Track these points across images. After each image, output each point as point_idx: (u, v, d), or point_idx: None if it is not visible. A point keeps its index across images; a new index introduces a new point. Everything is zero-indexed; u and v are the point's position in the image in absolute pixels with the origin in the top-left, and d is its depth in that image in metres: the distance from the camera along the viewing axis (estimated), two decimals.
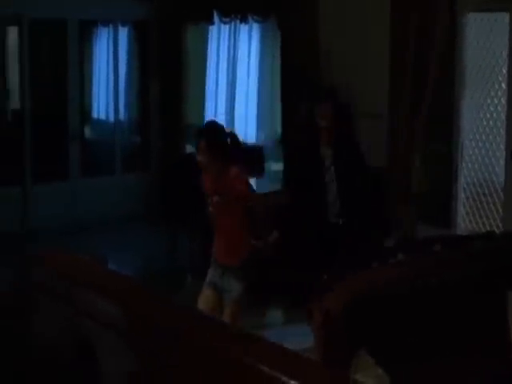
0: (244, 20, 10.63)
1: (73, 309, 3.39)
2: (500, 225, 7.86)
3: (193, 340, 2.53)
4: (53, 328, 3.63)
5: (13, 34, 11.33)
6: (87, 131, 12.24)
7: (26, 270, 4.08)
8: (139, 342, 2.78)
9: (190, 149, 11.57)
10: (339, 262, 5.21)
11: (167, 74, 11.62)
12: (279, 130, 10.08)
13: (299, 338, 4.17)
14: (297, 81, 9.30)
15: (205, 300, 5.72)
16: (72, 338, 3.38)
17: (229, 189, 5.76)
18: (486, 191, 8.06)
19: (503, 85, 7.82)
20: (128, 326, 2.88)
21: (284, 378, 2.30)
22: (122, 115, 12.00)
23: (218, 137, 5.91)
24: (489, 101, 7.96)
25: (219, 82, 11.35)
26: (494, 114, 7.94)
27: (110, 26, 11.94)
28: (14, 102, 11.34)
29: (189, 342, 2.55)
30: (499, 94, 7.86)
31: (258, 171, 9.96)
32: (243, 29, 10.87)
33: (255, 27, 10.70)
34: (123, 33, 12.03)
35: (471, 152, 8.16)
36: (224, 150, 5.85)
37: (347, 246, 6.24)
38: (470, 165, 8.19)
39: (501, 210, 7.88)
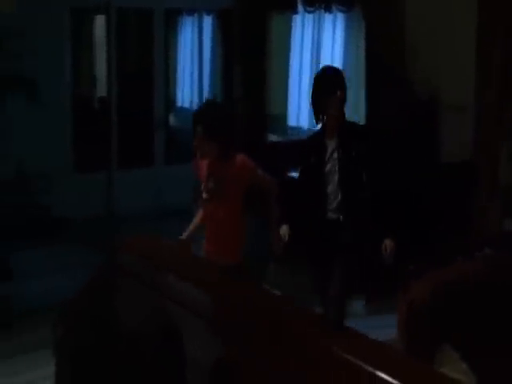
0: (328, 9, 10.60)
1: (159, 294, 3.44)
2: None
3: (281, 328, 2.55)
4: (138, 313, 3.68)
5: (100, 22, 11.54)
6: (172, 119, 12.38)
7: (112, 254, 4.14)
8: (226, 329, 2.81)
9: (272, 137, 11.62)
10: (425, 255, 5.19)
11: (251, 62, 11.66)
12: (363, 120, 10.04)
13: (382, 330, 4.17)
14: (381, 71, 9.25)
15: None
16: (158, 324, 3.42)
17: (235, 178, 5.29)
18: None
19: None
20: (215, 313, 2.91)
21: (370, 369, 2.30)
22: None
23: (218, 121, 5.35)
24: None
25: (303, 72, 11.34)
26: None
27: (195, 14, 12.04)
28: (101, 90, 11.56)
29: (277, 330, 2.57)
30: None
31: None
32: (327, 18, 10.84)
33: (339, 16, 10.66)
34: (208, 21, 12.13)
35: None
36: (225, 135, 5.34)
37: (347, 246, 5.61)
38: None
39: None
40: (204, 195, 5.38)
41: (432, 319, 3.64)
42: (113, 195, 10.94)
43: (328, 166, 5.66)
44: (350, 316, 7.31)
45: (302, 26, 11.32)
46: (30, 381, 5.72)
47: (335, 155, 5.65)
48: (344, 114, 5.75)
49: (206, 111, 5.51)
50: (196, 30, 12.01)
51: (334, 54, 10.79)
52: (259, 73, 11.58)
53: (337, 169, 5.62)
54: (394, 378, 2.20)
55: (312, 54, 11.13)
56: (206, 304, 2.98)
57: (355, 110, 10.47)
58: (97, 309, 3.94)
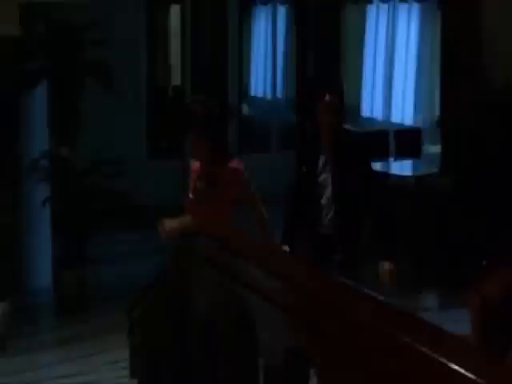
0: None
1: (234, 280, 3.48)
2: None
3: (356, 318, 2.57)
4: (212, 299, 3.75)
5: (175, 12, 11.67)
6: (245, 108, 12.46)
7: (187, 240, 4.19)
8: (300, 317, 2.84)
9: (345, 127, 11.59)
10: (499, 250, 5.14)
11: (325, 52, 11.66)
12: (437, 112, 9.97)
13: (455, 325, 4.16)
14: (457, 61, 9.16)
15: None
16: (232, 310, 3.48)
17: (224, 186, 4.82)
18: None
19: None
20: (290, 301, 2.95)
21: (443, 360, 2.31)
22: (279, 93, 12.14)
23: (209, 120, 4.86)
24: None
25: (377, 62, 11.31)
26: None
27: (269, 4, 12.08)
28: (176, 78, 11.70)
29: (351, 320, 2.60)
30: None
31: (415, 153, 9.87)
32: (402, 8, 10.79)
33: (415, 7, 10.60)
34: (282, 11, 12.15)
35: None
36: (216, 135, 4.89)
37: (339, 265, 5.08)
38: None
39: None
40: (190, 195, 4.96)
41: (505, 316, 3.62)
42: (187, 183, 11.07)
43: (321, 178, 5.18)
44: (421, 309, 7.33)
45: (376, 16, 11.28)
46: (98, 366, 5.83)
47: (328, 166, 5.17)
48: (339, 122, 5.22)
49: (197, 109, 4.94)
50: (270, 19, 12.04)
51: (408, 44, 10.72)
52: (333, 63, 11.56)
53: (330, 181, 5.15)
54: (467, 370, 2.21)
55: (386, 45, 11.09)
56: (281, 291, 3.02)
57: (430, 100, 10.41)
58: (172, 293, 4.02)
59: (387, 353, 2.45)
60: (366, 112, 11.56)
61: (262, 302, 3.10)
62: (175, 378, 3.65)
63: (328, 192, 5.13)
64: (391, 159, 9.87)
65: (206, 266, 3.82)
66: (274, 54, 11.99)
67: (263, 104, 12.36)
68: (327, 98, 5.11)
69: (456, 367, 2.21)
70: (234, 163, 4.87)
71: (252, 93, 12.68)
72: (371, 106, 11.46)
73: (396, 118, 10.99)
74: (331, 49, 11.57)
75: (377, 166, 9.52)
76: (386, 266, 5.07)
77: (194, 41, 11.32)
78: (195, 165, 5.00)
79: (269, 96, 12.18)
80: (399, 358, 2.42)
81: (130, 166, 8.67)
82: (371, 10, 11.30)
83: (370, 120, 11.44)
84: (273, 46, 11.98)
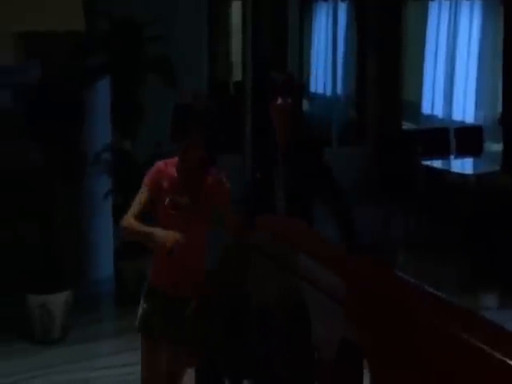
0: None
1: (291, 273, 3.51)
2: None
3: (415, 314, 2.57)
4: (270, 290, 3.78)
5: (236, 8, 11.76)
6: (305, 105, 12.47)
7: (244, 232, 4.21)
8: (355, 310, 2.86)
9: (406, 125, 11.56)
10: None
11: (385, 49, 11.62)
12: (499, 109, 9.86)
13: None
14: None
15: (148, 361, 4.31)
16: (289, 301, 3.51)
17: (206, 196, 4.20)
18: None
19: None
20: (345, 294, 2.97)
21: (504, 358, 2.29)
22: (339, 90, 12.13)
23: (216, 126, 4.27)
24: None
25: (438, 59, 11.22)
26: None
27: (330, 0, 12.07)
28: (237, 75, 11.78)
29: (406, 315, 2.60)
30: None
31: (476, 151, 9.80)
32: (465, 4, 10.70)
33: (477, 3, 10.50)
34: (342, 8, 12.13)
35: None
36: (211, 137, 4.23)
37: None
38: None
39: None
40: (171, 211, 4.17)
41: None
42: (247, 177, 11.14)
43: (275, 185, 4.89)
44: (482, 308, 7.27)
45: (438, 13, 11.20)
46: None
47: (280, 173, 4.87)
48: (295, 127, 4.88)
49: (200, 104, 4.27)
50: (331, 16, 12.03)
51: (470, 40, 10.63)
52: (394, 59, 11.52)
53: (282, 193, 4.85)
54: None
55: (448, 42, 11.00)
56: (337, 284, 3.04)
57: (492, 97, 10.31)
58: (230, 284, 4.06)
59: (445, 350, 2.43)
60: (426, 109, 11.49)
61: (318, 294, 3.11)
62: (232, 366, 3.70)
63: (281, 204, 4.83)
64: (452, 157, 9.83)
65: (264, 258, 3.85)
66: (334, 51, 11.98)
67: (323, 100, 12.35)
68: (279, 100, 4.80)
69: None
70: (214, 170, 4.25)
71: (312, 89, 12.68)
72: (432, 103, 11.38)
73: (457, 115, 10.91)
74: (392, 45, 11.52)
75: (438, 163, 9.50)
76: None
77: (254, 37, 11.37)
78: (168, 169, 4.26)
79: (328, 92, 12.17)
80: (458, 356, 2.39)
81: None
82: (433, 7, 11.22)
83: (431, 117, 11.36)
84: (333, 43, 11.97)
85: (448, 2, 10.92)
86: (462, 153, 9.73)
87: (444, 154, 9.70)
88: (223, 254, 4.39)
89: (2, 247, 7.29)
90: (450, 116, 11.04)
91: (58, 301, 6.54)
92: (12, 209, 7.28)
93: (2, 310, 7.01)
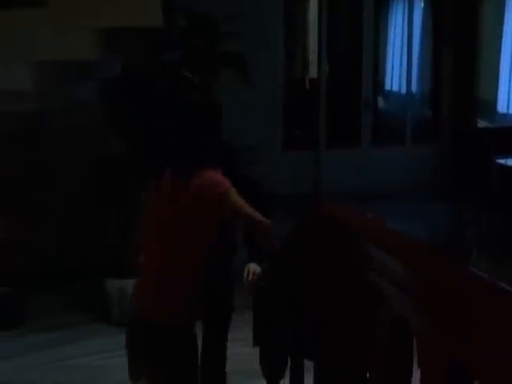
0: None
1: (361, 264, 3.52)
2: None
3: (486, 311, 2.50)
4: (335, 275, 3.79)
5: (313, 5, 11.92)
6: (380, 101, 12.53)
7: (308, 221, 4.24)
8: (428, 305, 2.82)
9: (481, 123, 11.52)
10: None
11: (461, 46, 11.58)
12: None
13: None
14: None
15: None
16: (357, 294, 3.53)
17: (198, 206, 3.77)
18: None
19: None
20: (415, 288, 2.95)
21: None
22: (414, 87, 12.15)
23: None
24: None
25: None
26: None
27: None
28: (312, 72, 11.94)
29: (480, 313, 2.52)
30: None
31: None
32: None
33: None
34: (418, 5, 12.14)
35: None
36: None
37: None
38: None
39: None
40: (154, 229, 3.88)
41: None
42: (319, 173, 11.27)
43: None
44: None
45: None
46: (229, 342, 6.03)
47: None
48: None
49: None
50: (406, 13, 12.04)
51: None
52: (470, 57, 11.48)
53: None
54: None
55: None
56: (408, 277, 3.03)
57: None
58: (288, 275, 4.14)
59: None
60: (502, 108, 11.43)
61: (390, 287, 3.08)
62: (292, 348, 3.81)
63: None
64: None
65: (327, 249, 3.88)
66: (410, 48, 11.98)
67: (398, 98, 12.39)
68: None
69: None
70: (208, 173, 3.80)
71: (387, 86, 12.73)
72: (508, 101, 11.31)
73: None
74: (468, 42, 11.48)
75: (510, 161, 9.46)
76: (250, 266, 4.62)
77: (330, 34, 11.49)
78: (163, 187, 3.87)
79: (403, 90, 12.20)
80: None
81: (263, 155, 8.89)
82: (510, 4, 11.13)
83: (507, 116, 11.30)
84: (409, 40, 11.98)
85: None
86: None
87: None
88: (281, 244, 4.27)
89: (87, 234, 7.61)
90: None
91: None
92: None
93: (83, 293, 7.32)
